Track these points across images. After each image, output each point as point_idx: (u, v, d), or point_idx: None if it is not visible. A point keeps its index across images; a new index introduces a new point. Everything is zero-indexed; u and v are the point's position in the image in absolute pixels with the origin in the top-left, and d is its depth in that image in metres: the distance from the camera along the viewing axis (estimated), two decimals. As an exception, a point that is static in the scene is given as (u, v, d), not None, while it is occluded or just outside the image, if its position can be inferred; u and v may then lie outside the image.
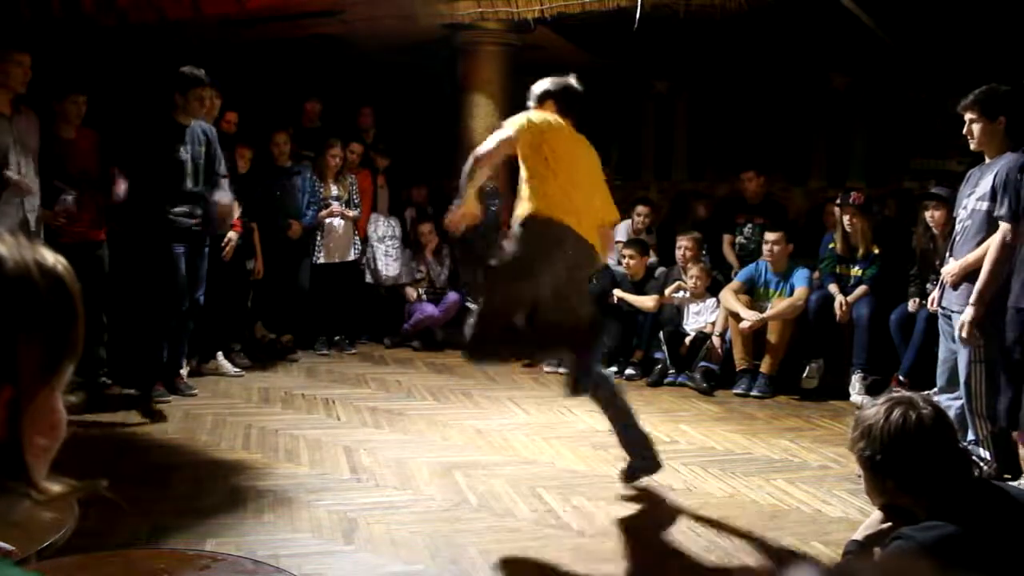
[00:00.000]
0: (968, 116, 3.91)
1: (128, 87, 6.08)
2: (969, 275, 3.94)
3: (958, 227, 4.10)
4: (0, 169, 4.56)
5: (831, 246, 5.98)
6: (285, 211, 6.39)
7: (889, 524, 2.03)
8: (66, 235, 4.99)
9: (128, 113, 5.42)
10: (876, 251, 5.83)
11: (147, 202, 5.03)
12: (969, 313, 3.78)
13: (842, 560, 2.02)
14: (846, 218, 5.81)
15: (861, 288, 5.79)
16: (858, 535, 2.08)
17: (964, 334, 3.80)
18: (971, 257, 3.93)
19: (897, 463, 1.86)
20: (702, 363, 5.91)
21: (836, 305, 5.76)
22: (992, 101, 3.84)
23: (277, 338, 6.65)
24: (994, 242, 3.77)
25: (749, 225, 6.68)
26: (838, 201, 5.96)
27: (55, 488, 0.76)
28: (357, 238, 6.91)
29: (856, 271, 5.87)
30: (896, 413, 1.87)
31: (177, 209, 5.07)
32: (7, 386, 0.73)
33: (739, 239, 6.74)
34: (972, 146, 3.97)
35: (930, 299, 4.51)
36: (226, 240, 5.64)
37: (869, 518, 2.12)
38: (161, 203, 5.03)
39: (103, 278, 5.23)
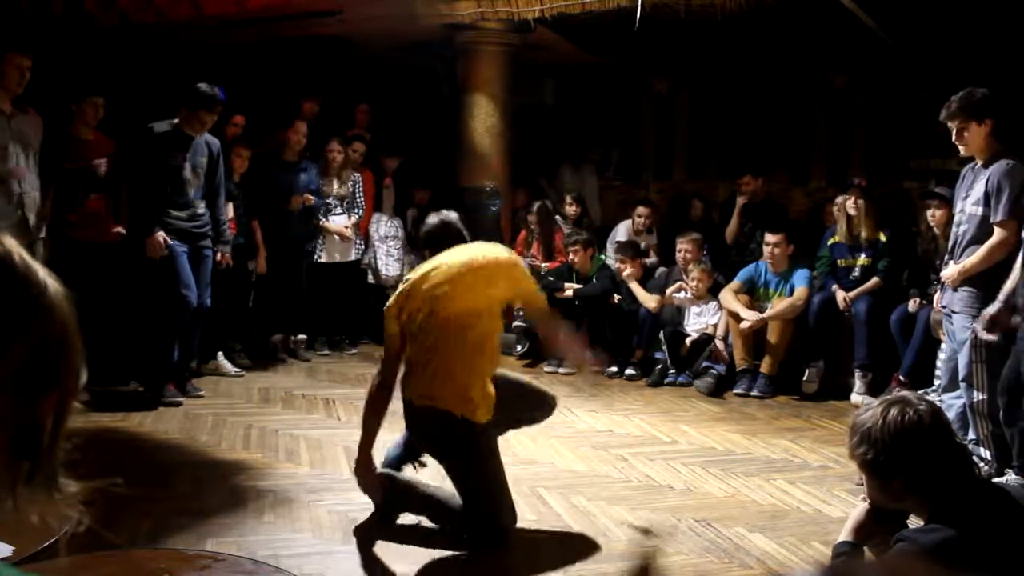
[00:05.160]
0: (956, 123, 3.93)
1: (131, 89, 6.07)
2: (969, 278, 3.95)
3: (956, 231, 4.12)
4: None
5: (830, 242, 5.97)
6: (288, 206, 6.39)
7: (877, 524, 2.03)
8: (79, 236, 5.03)
9: (135, 116, 5.44)
10: (883, 239, 5.81)
11: (147, 206, 5.04)
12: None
13: (836, 561, 2.01)
14: (850, 201, 5.80)
15: (873, 280, 5.76)
16: (846, 535, 2.07)
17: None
18: (969, 262, 3.95)
19: (901, 461, 1.85)
20: (705, 363, 5.91)
21: (839, 299, 5.75)
22: (976, 104, 3.87)
23: (285, 338, 6.61)
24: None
25: (749, 224, 6.69)
26: (845, 189, 5.95)
27: (72, 488, 0.82)
28: (358, 239, 6.90)
29: (862, 260, 5.84)
30: (893, 412, 1.87)
31: (176, 213, 5.09)
32: (54, 390, 0.79)
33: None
34: (963, 151, 4.00)
35: (935, 300, 4.51)
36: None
37: (851, 517, 2.11)
38: (160, 207, 5.04)
39: (114, 279, 5.26)
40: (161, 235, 4.99)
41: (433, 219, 3.56)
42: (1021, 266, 3.63)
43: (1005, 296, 3.62)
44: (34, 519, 0.81)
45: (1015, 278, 3.63)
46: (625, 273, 6.40)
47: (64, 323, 0.80)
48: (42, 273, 0.80)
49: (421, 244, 3.71)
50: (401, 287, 3.33)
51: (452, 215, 3.54)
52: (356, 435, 4.44)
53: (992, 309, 3.62)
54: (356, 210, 6.80)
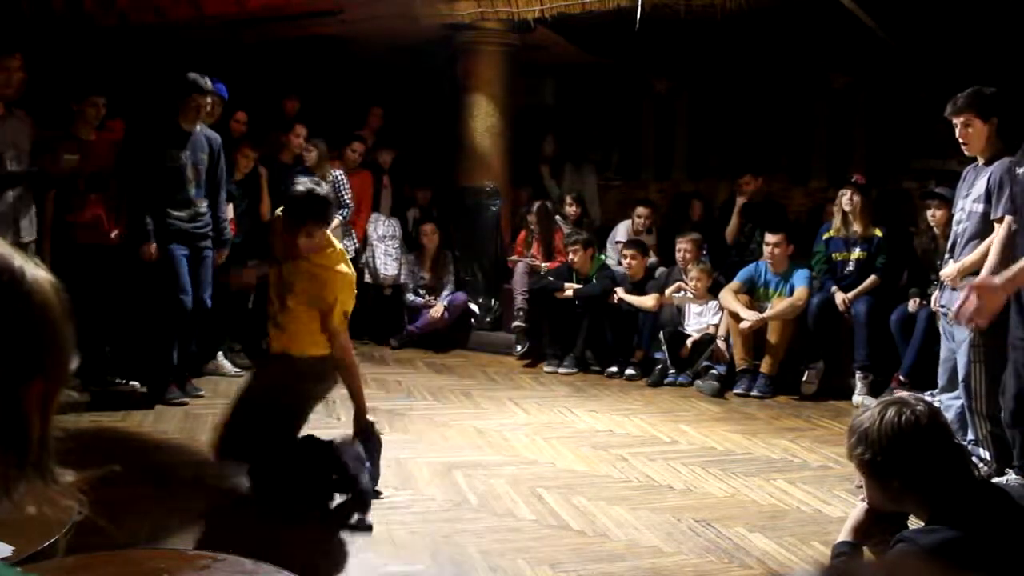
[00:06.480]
0: (961, 119, 3.91)
1: (132, 89, 6.08)
2: (968, 277, 3.94)
3: (956, 229, 4.11)
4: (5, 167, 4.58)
5: (825, 236, 5.97)
6: None
7: (877, 524, 2.03)
8: (79, 238, 5.03)
9: (133, 115, 5.43)
10: (879, 234, 5.82)
11: (143, 209, 5.04)
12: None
13: (836, 561, 2.02)
14: (845, 197, 5.81)
15: (871, 279, 5.76)
16: (845, 535, 2.07)
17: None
18: (969, 260, 3.94)
19: (898, 461, 1.86)
20: (706, 363, 5.91)
21: (838, 301, 5.75)
22: (984, 102, 3.86)
23: None
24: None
25: (749, 224, 6.69)
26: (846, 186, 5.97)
27: (68, 477, 0.80)
28: (347, 239, 6.79)
29: (856, 254, 5.84)
30: (890, 412, 1.87)
31: (176, 213, 5.07)
32: (39, 379, 0.77)
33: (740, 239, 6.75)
34: (967, 151, 3.98)
35: (933, 299, 4.51)
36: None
37: (850, 517, 2.11)
38: (160, 206, 5.03)
39: (114, 278, 5.25)
40: (153, 247, 4.99)
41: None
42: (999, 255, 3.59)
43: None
44: (31, 510, 0.79)
45: (991, 264, 3.59)
46: (630, 265, 6.44)
47: (46, 311, 0.78)
48: (18, 260, 0.78)
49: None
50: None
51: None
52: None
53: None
54: (339, 209, 6.69)
